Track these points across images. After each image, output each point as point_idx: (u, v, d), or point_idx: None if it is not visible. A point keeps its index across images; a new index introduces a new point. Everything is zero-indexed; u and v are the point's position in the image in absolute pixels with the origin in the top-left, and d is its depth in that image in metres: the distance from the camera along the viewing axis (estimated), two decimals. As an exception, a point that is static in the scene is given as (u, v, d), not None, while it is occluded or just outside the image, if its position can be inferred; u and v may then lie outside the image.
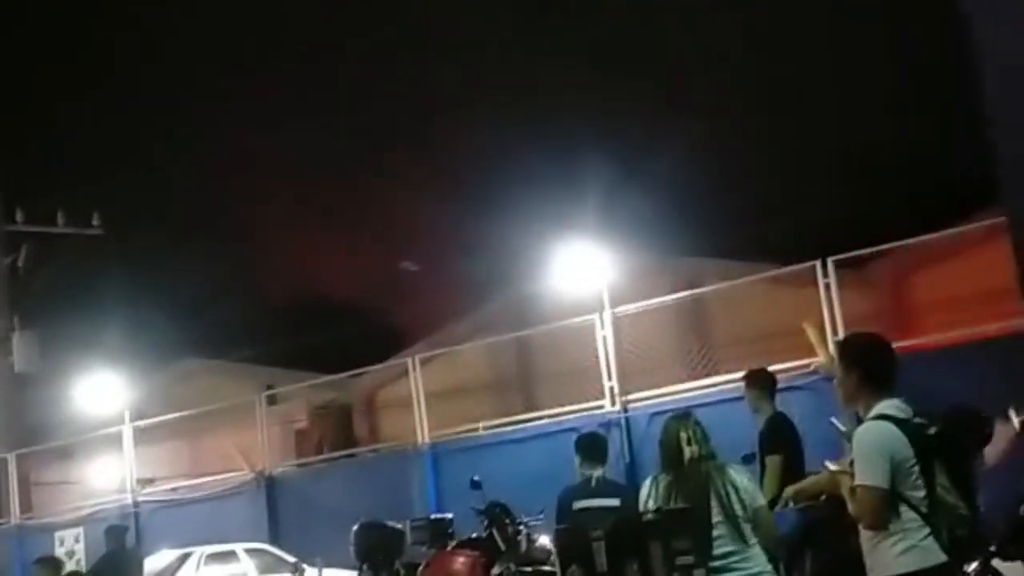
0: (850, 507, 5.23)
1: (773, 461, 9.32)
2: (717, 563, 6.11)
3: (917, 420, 5.28)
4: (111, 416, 21.82)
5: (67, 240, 26.98)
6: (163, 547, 18.96)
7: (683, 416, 6.63)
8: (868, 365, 5.36)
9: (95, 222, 27.03)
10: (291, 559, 17.02)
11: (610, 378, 16.12)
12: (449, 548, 12.46)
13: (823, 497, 7.22)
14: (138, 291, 27.80)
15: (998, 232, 11.73)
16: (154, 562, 18.06)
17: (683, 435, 6.42)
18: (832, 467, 5.51)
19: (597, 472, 8.59)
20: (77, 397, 22.29)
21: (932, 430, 5.29)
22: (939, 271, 17.57)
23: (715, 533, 6.17)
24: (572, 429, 13.18)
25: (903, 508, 5.11)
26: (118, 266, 27.74)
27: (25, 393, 26.99)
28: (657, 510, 6.16)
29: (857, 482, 5.15)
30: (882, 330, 6.45)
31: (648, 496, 6.40)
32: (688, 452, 6.38)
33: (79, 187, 28.04)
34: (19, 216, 26.43)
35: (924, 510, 5.12)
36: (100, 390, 21.77)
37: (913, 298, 18.35)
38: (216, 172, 32.00)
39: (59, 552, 21.97)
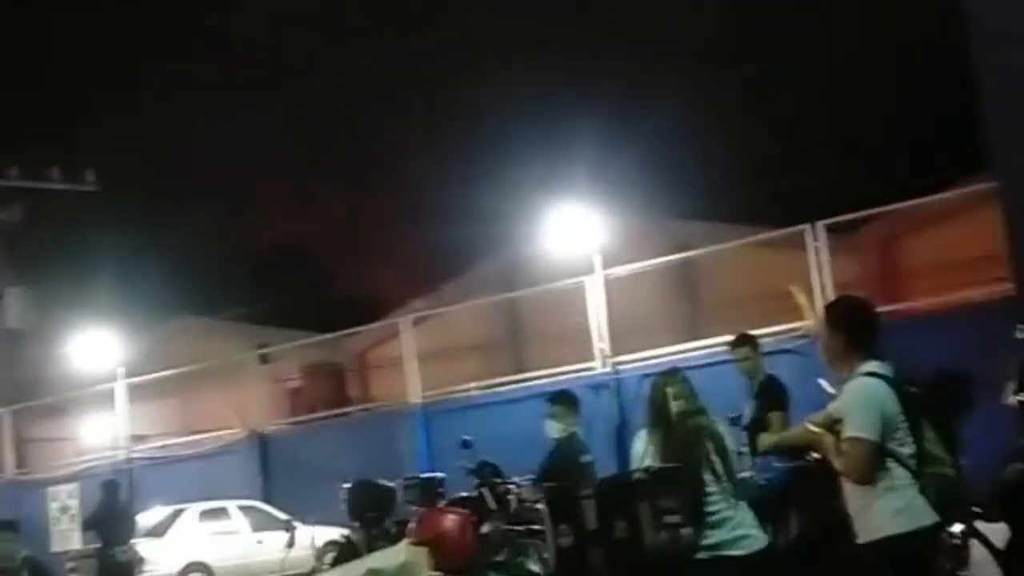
0: (836, 463, 5.28)
1: (776, 416, 9.25)
2: (710, 519, 6.03)
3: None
4: (104, 373, 21.86)
5: (62, 196, 26.93)
6: (156, 503, 19.10)
7: (670, 373, 6.61)
8: (853, 328, 5.43)
9: (90, 178, 26.99)
10: (283, 516, 17.17)
11: (600, 340, 16.22)
12: (439, 506, 12.57)
13: (811, 455, 7.21)
14: (132, 247, 27.76)
15: (986, 198, 11.82)
16: (148, 518, 18.20)
17: (670, 391, 6.38)
18: (812, 428, 5.56)
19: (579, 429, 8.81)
20: (70, 354, 22.28)
21: (916, 391, 5.38)
22: (928, 237, 17.66)
23: (708, 490, 6.10)
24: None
25: (892, 464, 5.15)
26: (112, 222, 27.68)
27: (19, 349, 27.06)
28: (645, 469, 6.17)
29: (848, 434, 5.17)
30: (871, 294, 6.54)
31: (643, 452, 6.37)
32: (675, 407, 6.35)
33: (74, 143, 27.98)
34: (14, 171, 26.39)
35: (913, 467, 5.19)
36: (93, 347, 21.77)
37: (902, 263, 18.44)
38: (212, 129, 31.93)
39: (53, 508, 22.15)
